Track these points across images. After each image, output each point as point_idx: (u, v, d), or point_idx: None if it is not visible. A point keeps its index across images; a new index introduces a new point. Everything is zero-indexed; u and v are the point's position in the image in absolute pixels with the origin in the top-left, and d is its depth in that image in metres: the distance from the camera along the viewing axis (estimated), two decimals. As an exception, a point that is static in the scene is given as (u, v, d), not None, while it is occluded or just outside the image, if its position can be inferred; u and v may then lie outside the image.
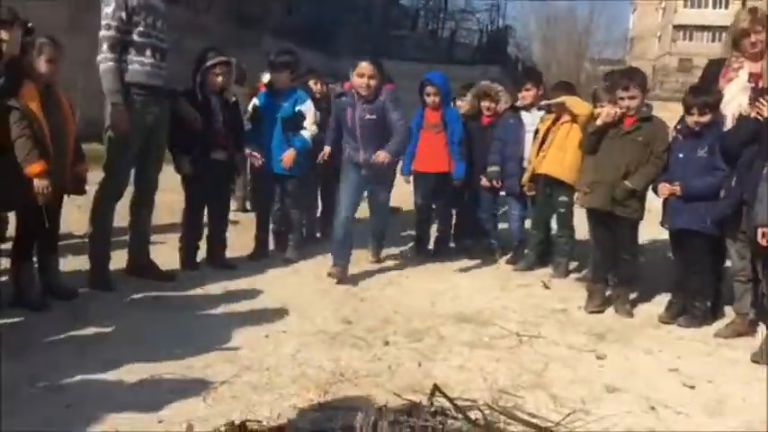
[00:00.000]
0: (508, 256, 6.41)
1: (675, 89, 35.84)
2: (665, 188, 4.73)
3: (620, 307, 4.95)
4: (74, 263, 5.20)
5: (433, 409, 2.81)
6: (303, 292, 5.09)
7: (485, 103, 6.52)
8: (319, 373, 3.55)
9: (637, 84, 4.88)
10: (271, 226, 6.26)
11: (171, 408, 3.04)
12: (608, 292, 5.12)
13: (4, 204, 4.39)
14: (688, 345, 4.35)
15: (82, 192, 4.64)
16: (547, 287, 5.58)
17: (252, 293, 4.97)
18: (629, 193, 4.80)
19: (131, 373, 3.41)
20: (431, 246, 6.49)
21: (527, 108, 6.26)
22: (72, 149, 4.47)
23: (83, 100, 5.64)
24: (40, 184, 4.07)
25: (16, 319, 4.12)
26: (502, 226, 6.75)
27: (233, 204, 7.11)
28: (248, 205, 7.96)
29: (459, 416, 2.79)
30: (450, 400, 2.87)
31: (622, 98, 4.89)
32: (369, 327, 4.38)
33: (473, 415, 3.02)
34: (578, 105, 5.45)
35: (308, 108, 6.07)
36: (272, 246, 6.26)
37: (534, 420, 3.08)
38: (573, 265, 6.11)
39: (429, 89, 6.22)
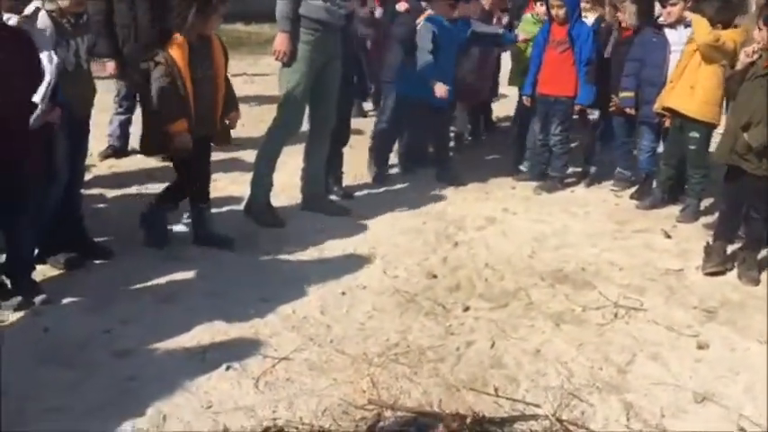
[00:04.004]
0: (632, 190, 5.86)
1: None
2: None
3: (744, 272, 4.39)
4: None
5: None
6: (397, 231, 4.93)
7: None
8: (382, 350, 3.44)
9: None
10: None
11: (223, 391, 3.06)
12: (730, 250, 4.58)
13: (155, 150, 4.53)
14: (813, 332, 3.82)
15: (228, 142, 4.62)
16: (668, 236, 5.05)
17: (346, 231, 4.87)
18: (747, 147, 4.14)
19: (197, 339, 3.45)
20: (552, 173, 6.03)
21: (673, 25, 5.46)
22: (221, 101, 4.39)
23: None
24: (179, 141, 4.08)
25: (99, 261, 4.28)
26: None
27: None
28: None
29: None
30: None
31: (761, 29, 4.12)
32: (453, 285, 4.19)
33: (530, 426, 2.86)
34: (698, 29, 4.72)
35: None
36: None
37: (597, 440, 2.85)
38: (706, 204, 5.50)
39: (553, 1, 5.60)
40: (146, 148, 4.52)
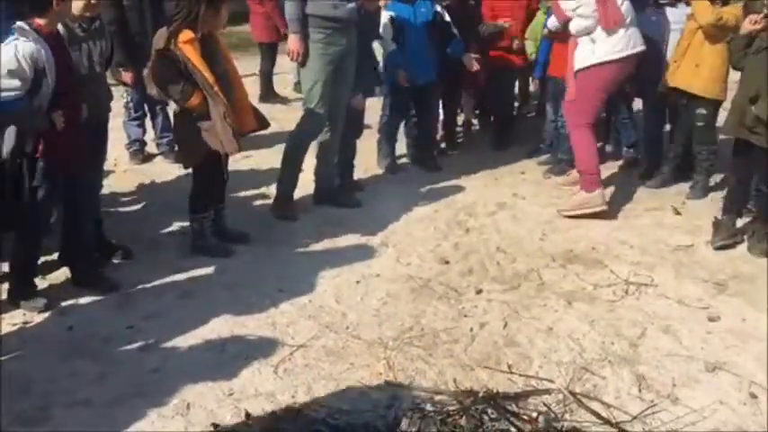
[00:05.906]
0: (641, 169, 5.89)
1: None
2: None
3: (753, 245, 4.43)
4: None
5: (488, 412, 2.70)
6: (409, 220, 5.00)
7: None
8: (397, 334, 3.52)
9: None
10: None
11: (244, 378, 3.15)
12: (739, 223, 4.61)
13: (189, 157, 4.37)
14: (824, 301, 3.85)
15: (268, 124, 4.55)
16: (678, 213, 5.09)
17: (359, 222, 4.93)
18: (755, 120, 4.17)
19: (216, 331, 3.55)
20: (560, 156, 6.07)
21: (673, 3, 5.49)
22: (245, 92, 4.43)
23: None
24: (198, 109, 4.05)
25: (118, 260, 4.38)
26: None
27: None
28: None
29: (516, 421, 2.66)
30: (505, 409, 2.74)
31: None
32: (465, 269, 4.25)
33: (543, 400, 2.93)
34: (700, 10, 4.73)
35: (442, 11, 5.88)
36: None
37: (609, 412, 2.91)
38: (715, 180, 5.52)
39: (548, -14, 5.67)
40: (183, 159, 4.53)
